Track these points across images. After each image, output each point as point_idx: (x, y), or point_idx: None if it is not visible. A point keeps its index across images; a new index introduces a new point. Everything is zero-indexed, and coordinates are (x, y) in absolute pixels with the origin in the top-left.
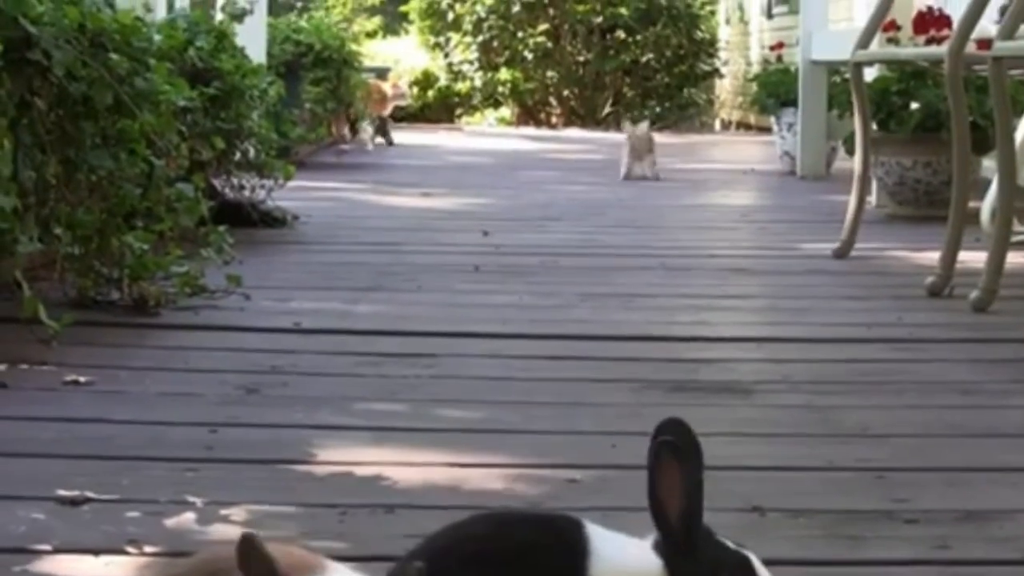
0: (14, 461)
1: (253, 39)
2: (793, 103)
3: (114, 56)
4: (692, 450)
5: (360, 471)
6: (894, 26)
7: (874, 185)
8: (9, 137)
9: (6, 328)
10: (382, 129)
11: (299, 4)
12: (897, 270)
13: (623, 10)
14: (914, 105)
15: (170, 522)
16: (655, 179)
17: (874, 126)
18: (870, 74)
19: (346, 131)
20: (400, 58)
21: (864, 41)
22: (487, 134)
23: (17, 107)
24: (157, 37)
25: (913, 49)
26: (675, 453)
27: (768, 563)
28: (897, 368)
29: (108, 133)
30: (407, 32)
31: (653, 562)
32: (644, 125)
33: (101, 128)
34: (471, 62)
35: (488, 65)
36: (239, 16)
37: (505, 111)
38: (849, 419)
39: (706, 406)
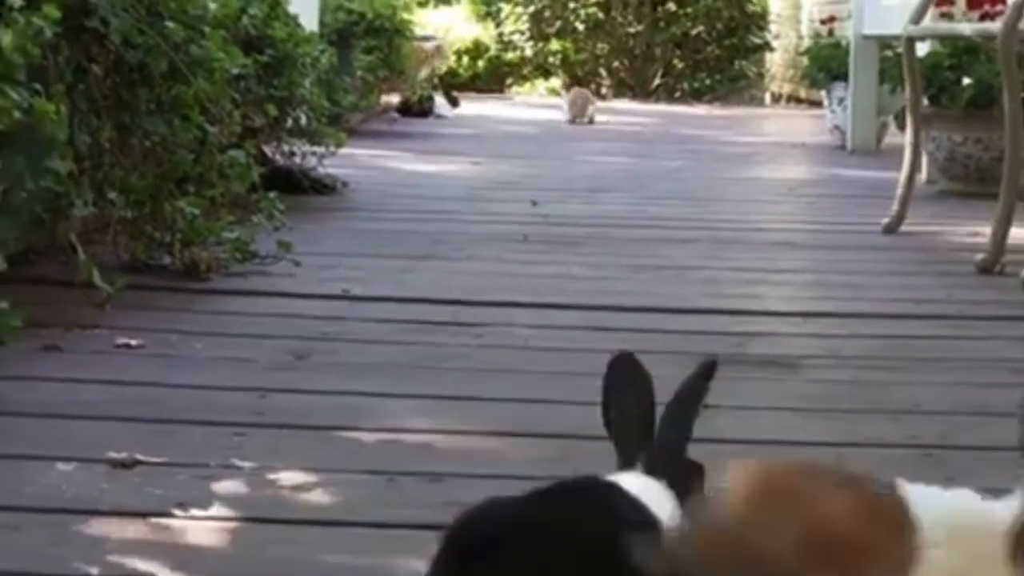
0: (67, 423)
1: (306, 7)
2: (844, 77)
3: (170, 24)
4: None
5: (408, 439)
6: (948, 1)
7: (925, 160)
8: (66, 102)
9: (61, 291)
10: (447, 94)
11: None
12: (947, 246)
13: None
14: (966, 80)
15: (218, 486)
16: (591, 123)
17: (926, 101)
18: (922, 49)
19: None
20: (451, 27)
21: (917, 16)
22: (536, 104)
23: (74, 73)
24: (212, 5)
25: (967, 24)
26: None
27: None
28: (946, 345)
29: (163, 99)
30: (458, 1)
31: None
32: (576, 89)
33: (156, 94)
34: (522, 32)
35: (539, 35)
36: None
37: (555, 81)
38: (898, 396)
39: (753, 380)
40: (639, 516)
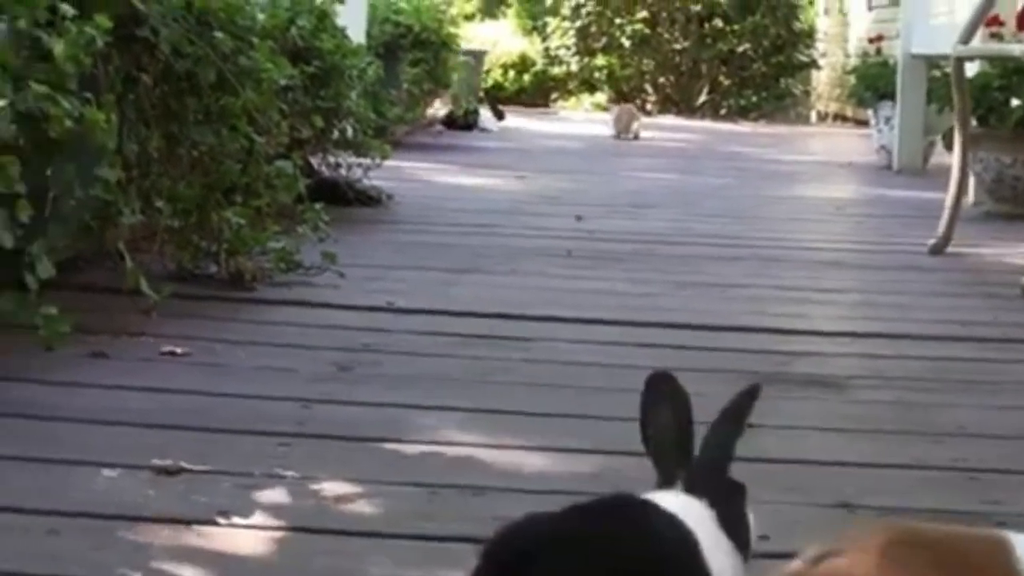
0: (112, 429)
1: (354, 19)
2: (891, 96)
3: (219, 34)
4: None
5: (450, 452)
6: (997, 21)
7: (972, 181)
8: (116, 111)
9: (108, 298)
10: (493, 108)
11: None
12: (993, 268)
13: None
14: (1015, 101)
15: (261, 495)
16: (636, 138)
17: (974, 122)
18: (971, 69)
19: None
20: (497, 41)
21: (966, 36)
22: (582, 119)
23: (124, 82)
24: (260, 16)
25: (1017, 45)
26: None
27: None
28: (992, 368)
29: (211, 109)
30: (505, 15)
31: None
32: (622, 105)
33: (204, 104)
34: (568, 47)
35: (585, 51)
36: None
37: (601, 96)
38: (942, 418)
39: (798, 399)
40: (676, 534)
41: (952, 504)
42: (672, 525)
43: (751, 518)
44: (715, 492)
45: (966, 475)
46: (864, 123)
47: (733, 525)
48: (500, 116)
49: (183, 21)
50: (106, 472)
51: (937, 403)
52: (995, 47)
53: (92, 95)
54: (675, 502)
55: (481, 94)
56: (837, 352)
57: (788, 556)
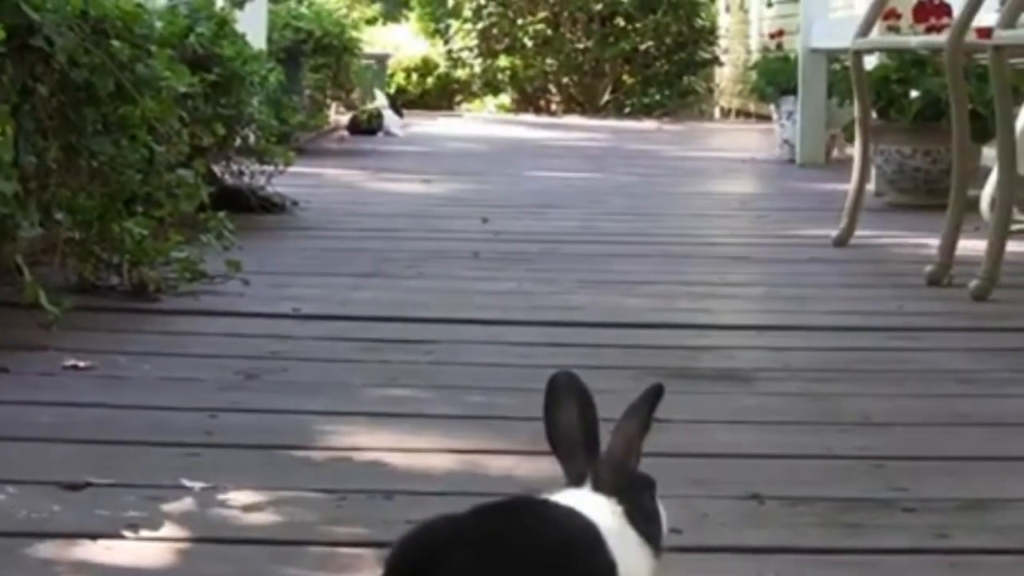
0: (15, 445)
1: (254, 25)
2: (793, 91)
3: (116, 42)
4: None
5: (359, 457)
6: (894, 14)
7: (873, 173)
8: (11, 123)
9: (7, 313)
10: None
11: None
12: (897, 258)
13: None
14: (914, 93)
15: (169, 507)
16: None
17: (874, 114)
18: (870, 62)
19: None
20: (400, 45)
21: (864, 29)
22: (486, 121)
23: (19, 93)
24: (158, 23)
25: (913, 37)
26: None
27: (766, 550)
28: (897, 357)
29: (109, 119)
30: (407, 19)
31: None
32: None
33: (102, 114)
34: (471, 49)
35: (488, 52)
36: (240, 3)
37: (505, 98)
38: (849, 407)
39: (706, 393)
40: (578, 529)
41: (859, 492)
42: (573, 520)
43: (662, 512)
44: (623, 488)
45: (873, 463)
46: (767, 118)
47: (643, 519)
48: (399, 113)
49: (79, 30)
50: (10, 489)
51: (843, 393)
52: (892, 39)
53: None
54: (580, 499)
55: (384, 98)
56: (743, 345)
57: (701, 549)
